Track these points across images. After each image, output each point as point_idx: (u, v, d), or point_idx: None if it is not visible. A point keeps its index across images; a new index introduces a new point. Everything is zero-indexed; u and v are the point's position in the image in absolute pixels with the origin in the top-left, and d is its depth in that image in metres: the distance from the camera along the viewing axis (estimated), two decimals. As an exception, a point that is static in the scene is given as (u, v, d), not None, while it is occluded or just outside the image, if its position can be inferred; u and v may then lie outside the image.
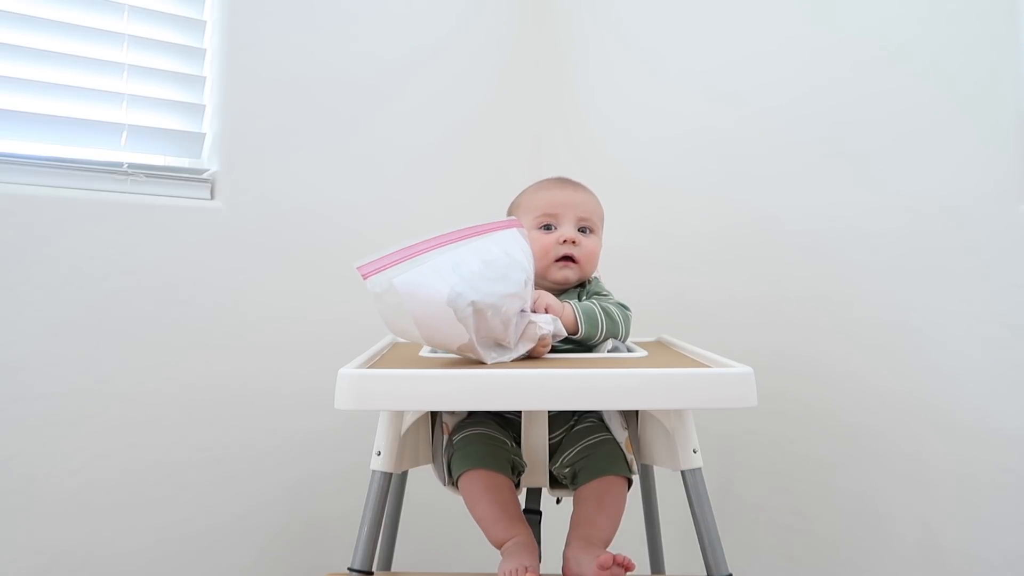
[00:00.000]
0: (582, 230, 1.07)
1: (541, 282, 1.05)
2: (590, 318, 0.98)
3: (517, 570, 0.83)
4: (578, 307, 0.99)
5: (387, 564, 1.17)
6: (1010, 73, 1.10)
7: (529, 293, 0.90)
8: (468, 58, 1.65)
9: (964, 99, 1.14)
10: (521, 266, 0.89)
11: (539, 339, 0.88)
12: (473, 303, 0.80)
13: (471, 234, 0.90)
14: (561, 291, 1.07)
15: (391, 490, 0.97)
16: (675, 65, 1.54)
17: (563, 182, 1.12)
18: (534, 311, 0.92)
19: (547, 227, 1.07)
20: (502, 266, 0.86)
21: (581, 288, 1.09)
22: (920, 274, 1.19)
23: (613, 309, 1.01)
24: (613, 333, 1.00)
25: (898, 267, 1.21)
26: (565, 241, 1.05)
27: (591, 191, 1.12)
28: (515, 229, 0.97)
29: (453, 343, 0.83)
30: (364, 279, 0.80)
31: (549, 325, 0.90)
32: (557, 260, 1.06)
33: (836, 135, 1.29)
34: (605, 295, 1.07)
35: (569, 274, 1.06)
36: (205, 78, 1.37)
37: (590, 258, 1.07)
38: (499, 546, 0.91)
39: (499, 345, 0.86)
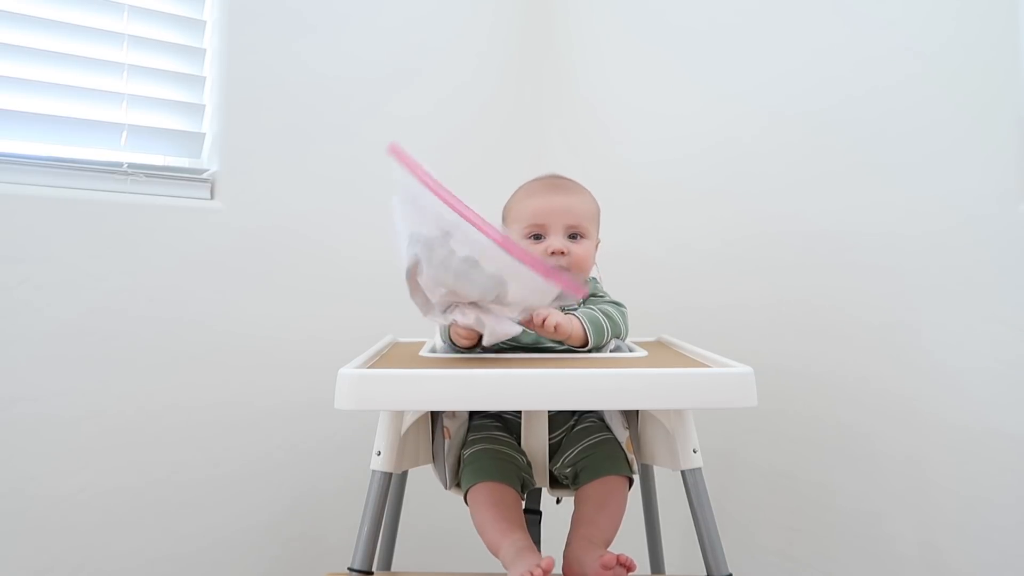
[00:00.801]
0: (572, 236, 1.05)
1: None
2: (596, 328, 0.97)
3: (532, 570, 0.81)
4: (585, 319, 0.97)
5: (387, 564, 1.17)
6: (1011, 72, 1.10)
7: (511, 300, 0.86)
8: (472, 60, 1.65)
9: (965, 99, 1.14)
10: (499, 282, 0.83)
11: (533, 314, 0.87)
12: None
13: (516, 254, 0.80)
14: None
15: (391, 490, 0.97)
16: (679, 68, 1.54)
17: (551, 186, 1.09)
18: (543, 325, 0.90)
19: (537, 236, 1.05)
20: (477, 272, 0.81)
21: None
22: (920, 274, 1.18)
23: (612, 311, 1.01)
24: (616, 334, 1.00)
25: (897, 267, 1.21)
26: (554, 252, 1.03)
27: (582, 190, 1.10)
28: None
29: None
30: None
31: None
32: None
33: (836, 135, 1.29)
34: (601, 296, 1.07)
35: None
36: (205, 78, 1.37)
37: (582, 264, 1.05)
38: (495, 549, 0.91)
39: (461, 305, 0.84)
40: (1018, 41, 1.09)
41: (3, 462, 1.12)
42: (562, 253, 1.03)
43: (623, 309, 1.03)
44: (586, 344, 0.96)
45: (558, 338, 0.93)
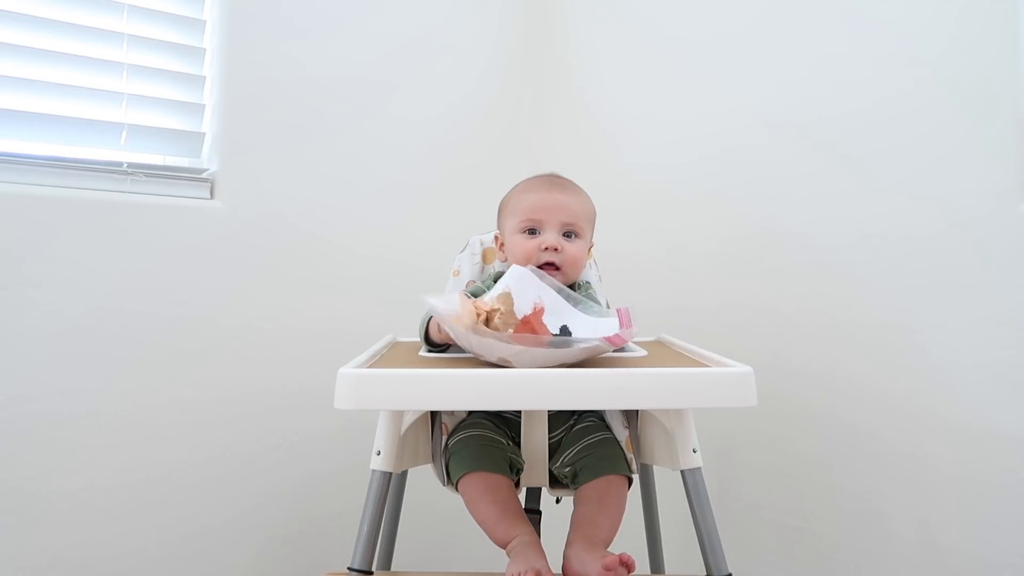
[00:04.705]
0: (567, 234, 1.04)
1: None
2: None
3: (526, 572, 0.81)
4: None
5: (387, 564, 1.17)
6: (1010, 73, 1.10)
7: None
8: (473, 63, 1.65)
9: (965, 100, 1.14)
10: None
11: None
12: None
13: None
14: None
15: (391, 490, 0.97)
16: (679, 73, 1.53)
17: (551, 183, 1.08)
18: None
19: (531, 231, 1.04)
20: None
21: None
22: (920, 274, 1.18)
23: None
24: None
25: (898, 267, 1.21)
26: (547, 248, 1.02)
27: (580, 191, 1.09)
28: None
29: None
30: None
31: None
32: (539, 267, 1.01)
33: (835, 137, 1.29)
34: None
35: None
36: (205, 78, 1.37)
37: (573, 263, 1.04)
38: (503, 546, 0.91)
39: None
40: (1017, 41, 1.09)
41: (4, 459, 1.12)
42: (555, 250, 1.02)
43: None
44: None
45: None
